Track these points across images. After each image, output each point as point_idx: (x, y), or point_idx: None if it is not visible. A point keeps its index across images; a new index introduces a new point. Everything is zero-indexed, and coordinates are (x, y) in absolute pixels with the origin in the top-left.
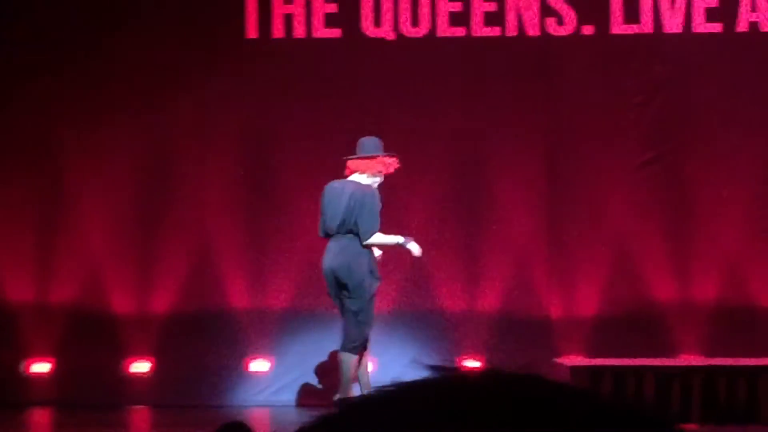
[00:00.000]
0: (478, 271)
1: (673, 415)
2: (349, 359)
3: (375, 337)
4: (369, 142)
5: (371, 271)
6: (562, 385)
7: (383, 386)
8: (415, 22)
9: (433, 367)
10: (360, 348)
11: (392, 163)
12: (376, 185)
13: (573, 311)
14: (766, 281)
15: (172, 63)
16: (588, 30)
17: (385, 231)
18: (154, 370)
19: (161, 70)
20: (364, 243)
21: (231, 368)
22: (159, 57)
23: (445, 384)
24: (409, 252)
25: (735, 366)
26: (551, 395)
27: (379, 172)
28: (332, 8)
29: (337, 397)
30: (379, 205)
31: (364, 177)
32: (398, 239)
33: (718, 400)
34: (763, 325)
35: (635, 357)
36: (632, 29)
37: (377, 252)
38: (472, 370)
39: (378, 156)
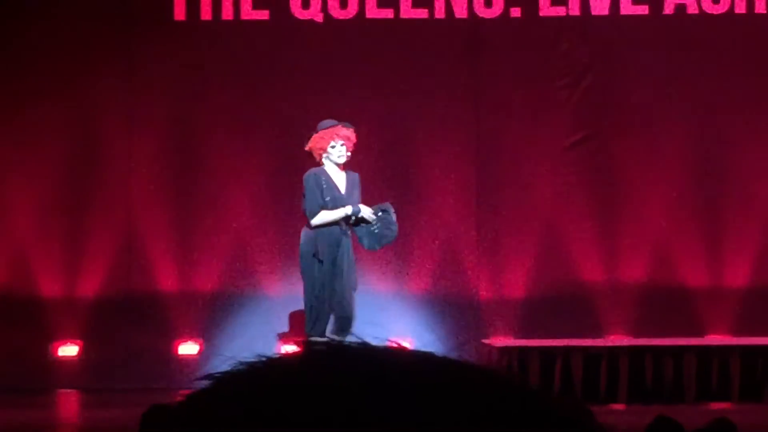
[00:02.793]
0: (407, 253)
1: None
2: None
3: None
4: (319, 125)
5: (314, 254)
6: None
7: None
8: (343, 3)
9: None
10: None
11: (323, 137)
12: (326, 163)
13: (501, 292)
14: (691, 262)
15: (98, 45)
16: (516, 12)
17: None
18: (82, 354)
19: (87, 53)
20: (312, 224)
21: (159, 351)
22: (85, 39)
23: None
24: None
25: (661, 346)
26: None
27: (313, 149)
28: None
29: None
30: (316, 184)
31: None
32: (346, 210)
33: (645, 380)
34: (688, 306)
35: (563, 337)
36: (560, 11)
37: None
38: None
39: (312, 135)
